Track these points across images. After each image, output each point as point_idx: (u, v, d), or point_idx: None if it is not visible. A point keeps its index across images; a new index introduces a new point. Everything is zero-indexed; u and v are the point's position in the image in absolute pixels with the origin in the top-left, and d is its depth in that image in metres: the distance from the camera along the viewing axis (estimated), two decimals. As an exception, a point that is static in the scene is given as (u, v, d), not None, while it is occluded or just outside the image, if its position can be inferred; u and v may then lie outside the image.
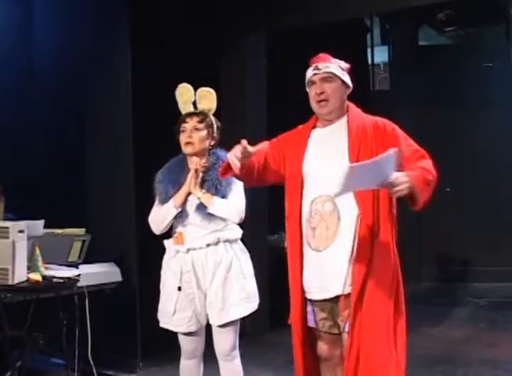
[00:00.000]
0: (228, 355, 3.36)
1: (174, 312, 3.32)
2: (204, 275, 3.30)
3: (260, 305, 3.49)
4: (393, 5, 5.48)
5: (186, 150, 3.38)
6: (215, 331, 3.35)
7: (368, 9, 5.86)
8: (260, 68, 5.90)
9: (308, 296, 2.96)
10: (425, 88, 8.19)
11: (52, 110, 5.23)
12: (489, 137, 7.98)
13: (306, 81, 3.01)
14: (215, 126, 3.44)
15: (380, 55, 8.80)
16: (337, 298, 2.86)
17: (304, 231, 2.91)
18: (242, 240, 3.47)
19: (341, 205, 2.81)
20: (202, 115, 3.41)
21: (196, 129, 3.38)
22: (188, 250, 3.31)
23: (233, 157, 2.72)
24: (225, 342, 3.34)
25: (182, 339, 3.41)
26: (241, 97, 5.72)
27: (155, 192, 3.42)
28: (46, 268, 3.93)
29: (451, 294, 7.37)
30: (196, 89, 3.47)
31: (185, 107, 3.45)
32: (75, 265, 4.25)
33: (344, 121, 2.96)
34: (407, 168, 2.76)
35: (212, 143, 3.42)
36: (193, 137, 3.36)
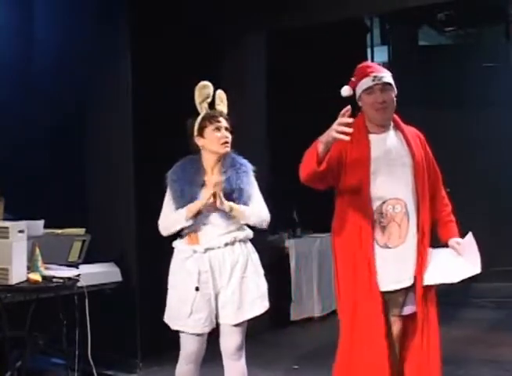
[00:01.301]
0: (236, 354, 3.35)
1: (190, 314, 3.26)
2: (221, 275, 3.28)
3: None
4: (393, 5, 5.48)
5: (224, 149, 3.32)
6: (227, 331, 3.32)
7: (368, 9, 5.85)
8: (260, 68, 5.90)
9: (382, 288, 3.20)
10: (425, 88, 8.18)
11: (52, 110, 5.23)
12: (489, 137, 7.98)
13: (364, 88, 3.21)
14: None
15: (380, 55, 8.79)
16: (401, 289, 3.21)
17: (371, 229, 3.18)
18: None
19: (410, 209, 3.18)
20: (227, 116, 3.39)
21: (228, 130, 3.35)
22: (206, 249, 3.27)
23: (341, 125, 2.79)
24: (236, 341, 3.33)
25: (189, 342, 3.32)
26: (241, 97, 5.72)
27: (168, 190, 3.35)
28: (46, 268, 3.93)
29: (451, 294, 7.36)
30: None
31: (204, 105, 3.37)
32: (75, 265, 4.25)
33: (393, 129, 3.27)
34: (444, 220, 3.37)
35: None
36: (229, 137, 3.34)
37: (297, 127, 6.80)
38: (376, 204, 3.15)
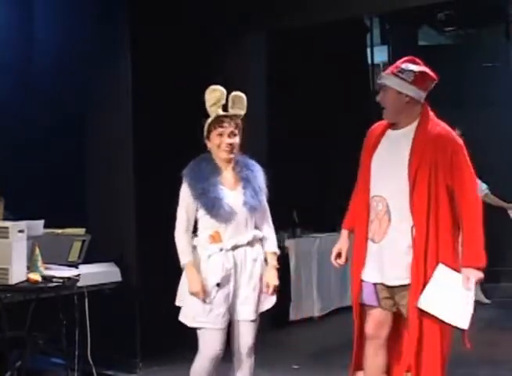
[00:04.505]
0: (251, 349, 3.42)
1: (210, 310, 3.29)
2: (242, 271, 3.35)
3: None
4: (393, 5, 5.48)
5: (227, 155, 3.35)
6: (246, 326, 3.37)
7: (368, 9, 5.85)
8: (260, 68, 5.90)
9: (368, 279, 3.23)
10: (425, 88, 8.17)
11: (52, 110, 5.23)
12: (489, 137, 7.97)
13: None
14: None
15: (380, 55, 8.79)
16: (395, 287, 3.17)
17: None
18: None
19: (393, 210, 3.14)
20: (237, 119, 3.38)
21: (234, 135, 3.36)
22: (232, 247, 3.33)
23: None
24: (253, 336, 3.40)
25: (211, 338, 3.31)
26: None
27: (187, 189, 3.33)
28: (46, 268, 3.93)
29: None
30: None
31: (213, 109, 3.36)
32: (75, 265, 4.24)
33: (413, 127, 3.26)
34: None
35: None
36: (233, 143, 3.35)
37: (298, 127, 6.81)
38: (369, 200, 3.24)
